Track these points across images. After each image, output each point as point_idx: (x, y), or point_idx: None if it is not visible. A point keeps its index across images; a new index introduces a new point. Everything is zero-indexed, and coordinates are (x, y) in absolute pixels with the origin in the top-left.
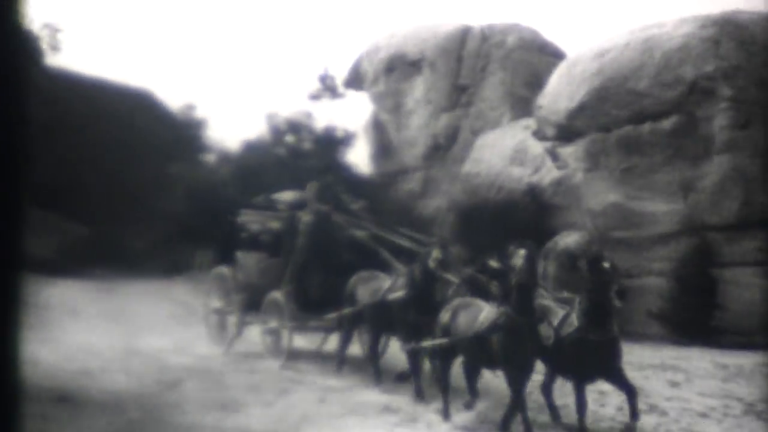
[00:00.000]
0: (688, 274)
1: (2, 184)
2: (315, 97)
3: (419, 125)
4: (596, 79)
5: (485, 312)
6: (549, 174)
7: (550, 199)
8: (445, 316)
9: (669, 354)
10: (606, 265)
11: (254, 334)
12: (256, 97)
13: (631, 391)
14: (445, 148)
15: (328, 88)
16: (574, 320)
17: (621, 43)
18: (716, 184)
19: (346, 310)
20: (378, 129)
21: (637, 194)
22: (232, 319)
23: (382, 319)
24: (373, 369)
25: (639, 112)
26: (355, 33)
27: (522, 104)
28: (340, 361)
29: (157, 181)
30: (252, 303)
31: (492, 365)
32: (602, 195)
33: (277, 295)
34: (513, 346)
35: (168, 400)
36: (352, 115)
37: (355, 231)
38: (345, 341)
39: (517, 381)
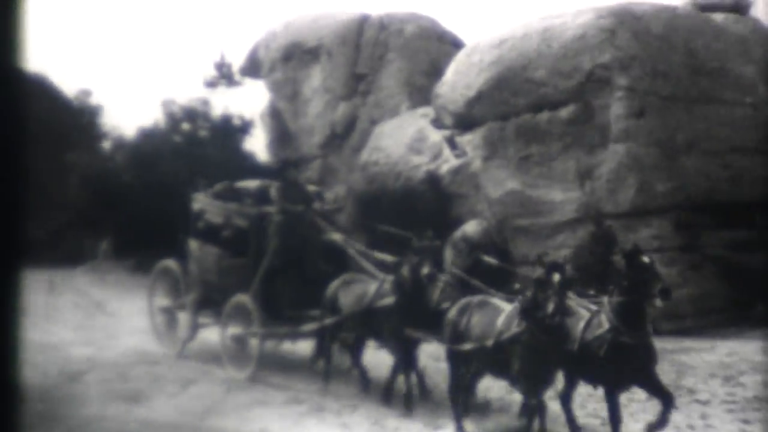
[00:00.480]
0: (587, 261)
1: None
2: (211, 84)
3: (317, 113)
4: (494, 68)
5: (503, 317)
6: (447, 162)
7: (449, 187)
8: (459, 318)
9: None
10: (646, 259)
11: (207, 337)
12: (151, 83)
13: (667, 400)
14: (342, 137)
15: (224, 76)
16: (604, 321)
17: (519, 33)
18: (612, 173)
19: (329, 320)
20: (275, 117)
21: (535, 182)
22: (183, 319)
23: (367, 328)
24: (361, 381)
25: (537, 100)
26: (253, 20)
27: (420, 93)
28: (326, 376)
29: (55, 169)
30: (207, 303)
31: (506, 375)
32: (500, 183)
33: (243, 299)
34: (534, 360)
35: (71, 392)
36: (249, 103)
37: (332, 234)
38: (327, 352)
39: (535, 392)
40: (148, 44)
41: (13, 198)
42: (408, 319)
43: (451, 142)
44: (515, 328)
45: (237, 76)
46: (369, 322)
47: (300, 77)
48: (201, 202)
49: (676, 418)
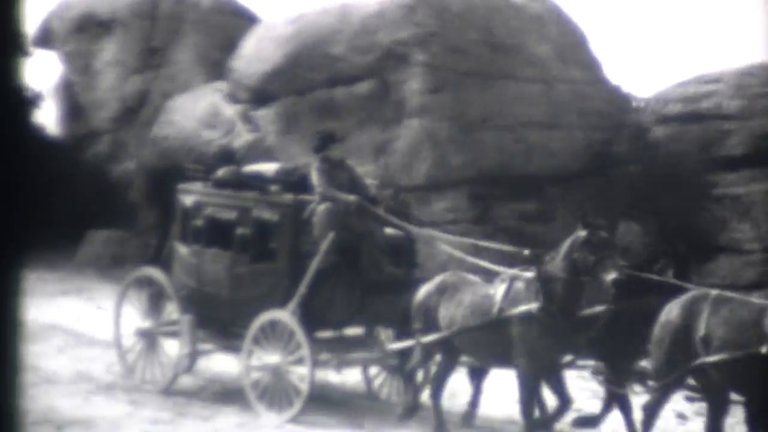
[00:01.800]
0: None
1: None
2: None
3: (109, 87)
4: (291, 43)
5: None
6: (241, 137)
7: (242, 162)
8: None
9: None
10: None
11: (206, 367)
12: None
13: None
14: (135, 111)
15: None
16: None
17: (317, 8)
18: (408, 147)
19: (430, 337)
20: (67, 90)
21: None
22: (172, 345)
23: (487, 347)
24: (437, 427)
25: (333, 76)
26: None
27: (216, 67)
28: (439, 420)
29: None
30: (209, 323)
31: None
32: (296, 158)
33: (280, 315)
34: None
35: None
36: (41, 74)
37: (414, 228)
38: (412, 385)
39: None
40: None
41: None
42: (557, 333)
43: (246, 117)
44: (528, 304)
45: (29, 47)
46: (492, 340)
47: (93, 50)
48: (198, 194)
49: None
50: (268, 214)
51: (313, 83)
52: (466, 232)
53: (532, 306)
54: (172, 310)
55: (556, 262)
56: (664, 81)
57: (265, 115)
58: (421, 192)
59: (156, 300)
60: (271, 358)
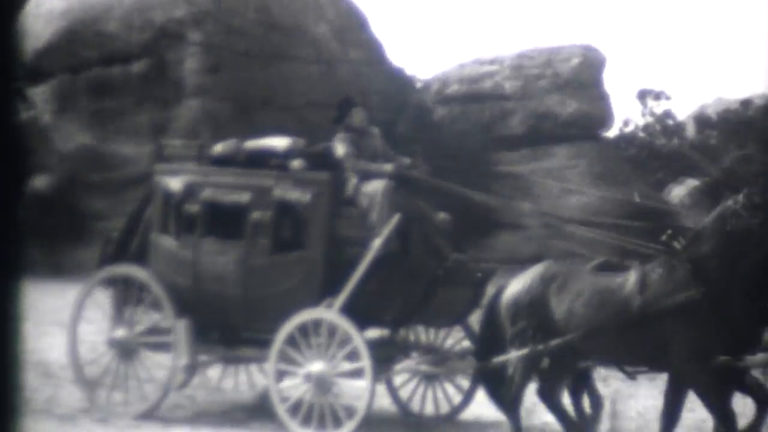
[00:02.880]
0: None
1: None
2: None
3: None
4: (63, 19)
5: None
6: (14, 115)
7: (17, 141)
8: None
9: None
10: None
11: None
12: None
13: None
14: None
15: None
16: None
17: None
18: (187, 127)
19: (557, 341)
20: None
21: (108, 137)
22: (158, 359)
23: (639, 347)
24: None
25: (108, 54)
26: None
27: None
28: None
29: None
30: (211, 329)
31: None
32: (72, 137)
33: (327, 315)
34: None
35: None
36: None
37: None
38: (552, 401)
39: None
40: None
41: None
42: (727, 324)
43: (20, 95)
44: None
45: None
46: (636, 339)
47: None
48: (190, 174)
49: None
50: (296, 194)
51: (88, 61)
52: None
53: (692, 292)
54: (151, 316)
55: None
56: (445, 62)
57: (40, 92)
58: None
59: (124, 304)
60: (313, 367)
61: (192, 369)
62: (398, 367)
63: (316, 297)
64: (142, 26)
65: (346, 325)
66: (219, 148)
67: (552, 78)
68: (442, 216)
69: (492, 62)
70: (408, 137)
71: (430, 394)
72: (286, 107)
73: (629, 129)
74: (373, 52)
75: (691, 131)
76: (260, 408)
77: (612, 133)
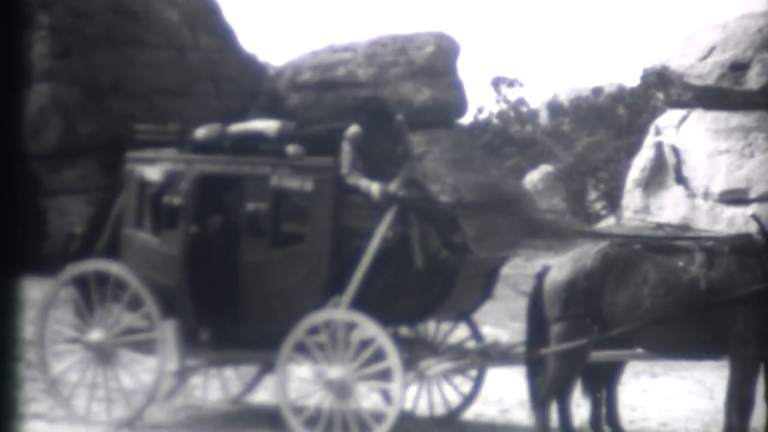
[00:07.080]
0: (16, 204)
1: None
2: None
3: None
4: None
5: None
6: None
7: None
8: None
9: None
10: None
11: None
12: None
13: None
14: None
15: None
16: None
17: None
18: (36, 113)
19: (616, 331)
20: None
21: None
22: (145, 363)
23: (701, 334)
24: None
25: None
26: None
27: None
28: None
29: None
30: (198, 330)
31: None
32: None
33: (341, 315)
34: None
35: None
36: None
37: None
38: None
39: None
40: None
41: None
42: None
43: None
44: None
45: None
46: (698, 326)
47: None
48: (170, 162)
49: None
50: (296, 183)
51: None
52: (95, 200)
53: None
54: (126, 317)
55: None
56: (298, 49)
57: None
58: (51, 160)
59: (100, 304)
60: (332, 372)
61: (182, 374)
62: (424, 363)
63: (320, 295)
64: None
65: (368, 323)
66: (201, 132)
67: (406, 65)
68: (446, 200)
69: (346, 49)
70: None
71: (424, 394)
72: (136, 94)
73: (483, 116)
74: (224, 38)
75: (544, 118)
76: (238, 417)
77: (467, 120)
